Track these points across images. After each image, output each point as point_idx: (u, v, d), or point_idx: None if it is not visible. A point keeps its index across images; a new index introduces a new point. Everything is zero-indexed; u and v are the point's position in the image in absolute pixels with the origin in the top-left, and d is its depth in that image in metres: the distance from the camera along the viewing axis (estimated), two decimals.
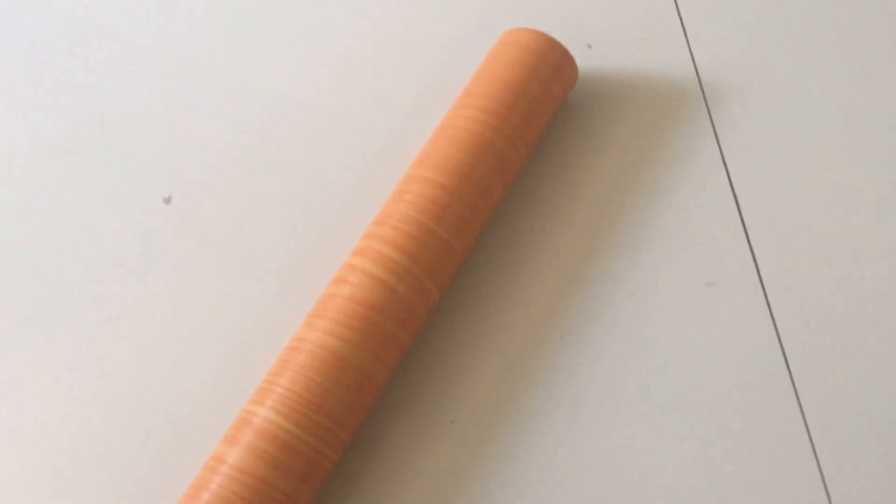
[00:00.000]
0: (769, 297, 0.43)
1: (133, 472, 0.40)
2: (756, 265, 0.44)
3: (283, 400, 0.37)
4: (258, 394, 0.38)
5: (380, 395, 0.40)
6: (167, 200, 0.47)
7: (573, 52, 0.47)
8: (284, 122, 0.49)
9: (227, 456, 0.36)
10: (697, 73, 0.49)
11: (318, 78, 0.51)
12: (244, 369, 0.42)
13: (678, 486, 0.39)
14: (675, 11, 0.51)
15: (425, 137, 0.46)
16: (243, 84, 0.51)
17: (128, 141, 0.49)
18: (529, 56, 0.44)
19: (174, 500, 0.37)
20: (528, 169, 0.47)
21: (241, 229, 0.46)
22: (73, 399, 0.42)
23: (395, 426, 0.41)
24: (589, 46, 0.50)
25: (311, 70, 0.51)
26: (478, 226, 0.42)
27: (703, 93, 0.49)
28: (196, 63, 0.52)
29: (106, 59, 0.52)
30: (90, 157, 0.49)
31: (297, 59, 0.52)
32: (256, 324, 0.44)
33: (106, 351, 0.43)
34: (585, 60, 0.49)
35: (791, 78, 0.49)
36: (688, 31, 0.51)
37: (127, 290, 0.45)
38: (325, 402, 0.37)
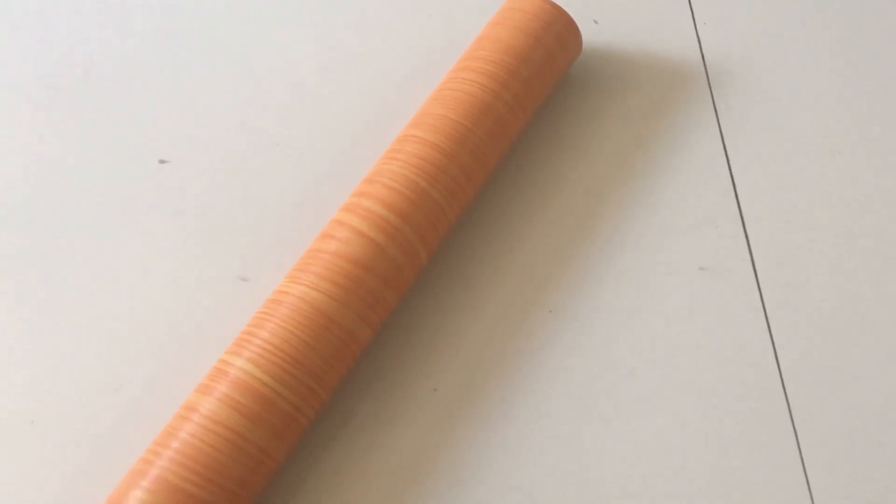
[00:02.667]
0: (761, 285, 0.42)
1: (103, 420, 0.39)
2: (750, 252, 0.43)
3: (261, 352, 0.36)
4: (236, 345, 0.37)
5: (361, 355, 0.39)
6: (163, 161, 0.46)
7: (579, 26, 0.46)
8: (280, 84, 0.49)
9: (200, 405, 0.35)
10: (703, 56, 0.49)
11: (316, 39, 0.50)
12: (224, 322, 0.41)
13: (658, 466, 0.38)
14: None
15: (423, 99, 0.45)
16: (241, 47, 0.50)
17: (129, 100, 0.48)
18: (534, 23, 0.43)
19: (143, 447, 0.36)
20: (524, 138, 0.46)
21: (232, 185, 0.45)
22: (49, 344, 0.41)
23: (375, 389, 0.40)
24: (595, 22, 0.50)
25: (308, 34, 0.50)
26: (471, 192, 0.42)
27: (707, 77, 0.48)
28: (199, 24, 0.51)
29: (112, 14, 0.51)
30: (91, 113, 0.48)
31: (296, 24, 0.51)
32: (242, 278, 0.43)
33: (87, 298, 0.42)
34: (590, 36, 0.48)
35: (796, 67, 0.48)
36: (695, 14, 0.50)
37: (111, 240, 0.44)
38: (306, 358, 0.36)
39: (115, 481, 0.36)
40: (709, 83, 0.48)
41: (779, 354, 0.41)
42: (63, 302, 0.42)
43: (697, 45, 0.49)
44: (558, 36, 0.44)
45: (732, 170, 0.45)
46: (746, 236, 0.44)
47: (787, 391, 0.40)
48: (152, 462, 0.34)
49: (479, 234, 0.44)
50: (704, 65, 0.48)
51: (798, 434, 0.39)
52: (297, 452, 0.38)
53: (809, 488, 0.38)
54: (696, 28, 0.50)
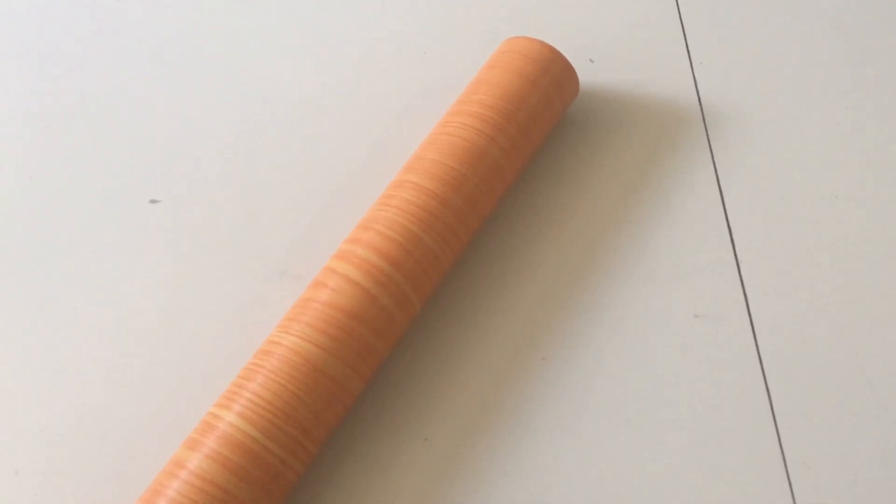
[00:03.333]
0: (756, 333, 0.42)
1: (88, 473, 0.38)
2: (746, 300, 0.43)
3: (251, 406, 0.35)
4: (225, 397, 0.36)
5: (352, 406, 0.38)
6: (154, 201, 0.45)
7: (574, 64, 0.46)
8: (274, 122, 0.48)
9: (188, 461, 0.34)
10: (699, 98, 0.48)
11: (310, 79, 0.50)
12: (214, 371, 0.40)
13: None
14: (681, 34, 0.50)
15: (417, 143, 0.44)
16: (234, 84, 0.50)
17: (118, 140, 0.48)
18: (531, 66, 0.43)
19: (131, 498, 0.36)
20: (519, 182, 0.46)
21: (224, 231, 0.45)
22: (34, 392, 0.40)
23: (365, 440, 0.40)
24: (591, 61, 0.49)
25: (303, 71, 0.50)
26: (465, 238, 0.41)
27: (703, 119, 0.48)
28: (190, 61, 0.51)
29: (104, 51, 0.51)
30: (80, 154, 0.47)
31: (291, 61, 0.50)
32: (231, 326, 0.42)
33: (76, 345, 0.42)
34: (586, 75, 0.48)
35: (793, 112, 0.48)
36: (692, 55, 0.50)
37: (104, 286, 0.43)
38: (295, 411, 0.35)
39: None
40: (705, 125, 0.48)
41: (774, 404, 0.40)
42: (49, 344, 0.41)
43: (694, 85, 0.49)
44: (555, 80, 0.43)
45: (728, 215, 0.45)
46: (742, 283, 0.43)
47: (782, 441, 0.40)
48: None
49: (471, 281, 0.43)
50: (701, 106, 0.48)
51: (792, 484, 0.39)
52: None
53: None
54: (692, 68, 0.49)
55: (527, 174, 0.46)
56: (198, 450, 0.35)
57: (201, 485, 0.34)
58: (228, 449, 0.34)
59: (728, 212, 0.45)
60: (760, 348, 0.42)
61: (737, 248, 0.44)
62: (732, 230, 0.45)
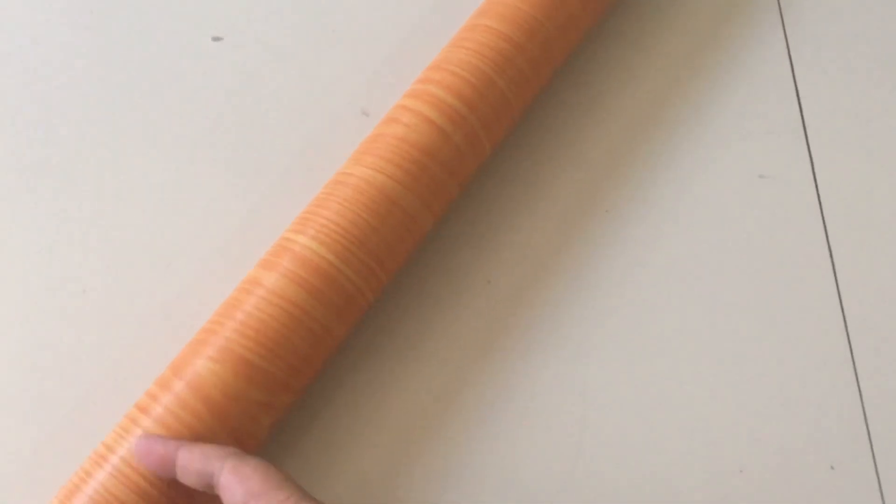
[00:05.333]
0: (821, 196, 0.42)
1: (156, 293, 0.39)
2: (812, 163, 0.43)
3: (325, 230, 0.35)
4: (298, 223, 0.36)
5: (421, 242, 0.38)
6: (217, 39, 0.45)
7: None
8: None
9: (264, 279, 0.35)
10: None
11: None
12: (281, 203, 0.40)
13: (706, 370, 0.38)
14: None
15: None
16: None
17: None
18: None
19: (202, 321, 0.36)
20: (591, 37, 0.45)
21: (288, 69, 0.44)
22: (108, 214, 0.41)
23: (430, 278, 0.40)
24: None
25: None
26: (537, 85, 0.41)
27: None
28: None
29: None
30: None
31: None
32: (295, 162, 0.42)
33: (150, 169, 0.42)
34: None
35: None
36: None
37: (168, 121, 0.43)
38: (369, 239, 0.35)
39: (171, 351, 0.36)
40: None
41: (835, 261, 0.41)
42: (122, 168, 0.41)
43: None
44: None
45: (797, 79, 0.45)
46: (808, 147, 0.43)
47: (842, 300, 0.40)
48: (216, 332, 0.34)
49: (539, 130, 0.43)
50: None
51: (852, 343, 0.39)
52: (353, 334, 0.38)
53: (861, 393, 0.38)
54: None
55: (599, 30, 0.45)
56: (273, 269, 0.35)
57: (278, 301, 0.34)
58: (304, 269, 0.34)
59: (797, 77, 0.45)
60: (824, 210, 0.42)
61: (804, 112, 0.44)
62: (800, 94, 0.44)
